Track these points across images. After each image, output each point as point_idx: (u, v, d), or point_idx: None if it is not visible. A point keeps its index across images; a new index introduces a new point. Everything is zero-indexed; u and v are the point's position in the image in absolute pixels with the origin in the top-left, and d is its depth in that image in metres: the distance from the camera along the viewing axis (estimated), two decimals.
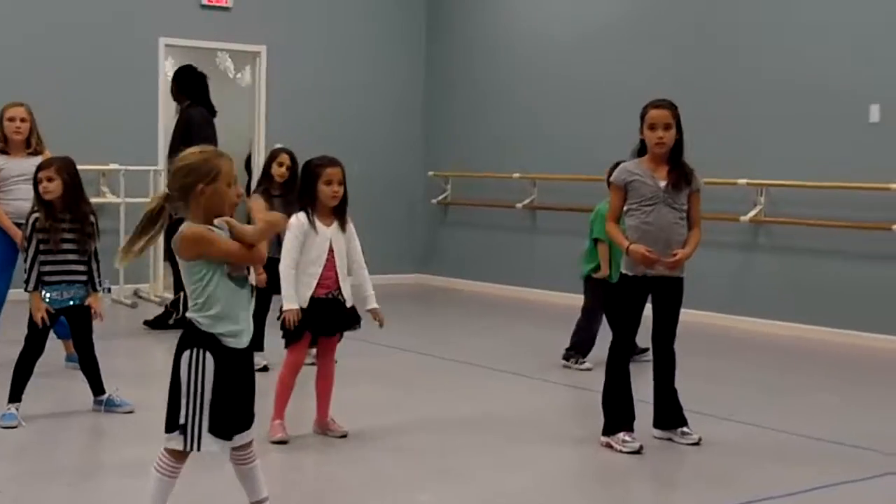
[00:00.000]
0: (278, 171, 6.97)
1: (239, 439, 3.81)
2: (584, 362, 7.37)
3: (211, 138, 8.31)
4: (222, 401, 3.69)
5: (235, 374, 3.73)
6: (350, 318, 5.41)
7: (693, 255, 5.34)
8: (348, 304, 5.37)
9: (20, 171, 6.71)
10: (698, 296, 8.21)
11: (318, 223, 5.28)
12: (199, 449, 3.69)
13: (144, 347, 8.41)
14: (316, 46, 11.94)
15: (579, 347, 7.44)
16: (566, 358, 7.48)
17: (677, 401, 5.53)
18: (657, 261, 5.23)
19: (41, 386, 5.98)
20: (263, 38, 11.64)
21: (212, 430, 3.69)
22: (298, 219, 5.29)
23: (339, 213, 5.36)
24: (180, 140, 8.32)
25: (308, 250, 5.26)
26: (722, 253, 9.50)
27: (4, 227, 6.78)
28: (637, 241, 5.27)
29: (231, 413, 3.73)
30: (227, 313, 3.68)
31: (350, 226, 5.42)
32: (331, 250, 5.30)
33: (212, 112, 8.87)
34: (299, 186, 5.51)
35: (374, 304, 5.40)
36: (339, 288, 5.33)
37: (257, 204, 6.67)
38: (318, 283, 5.27)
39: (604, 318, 7.30)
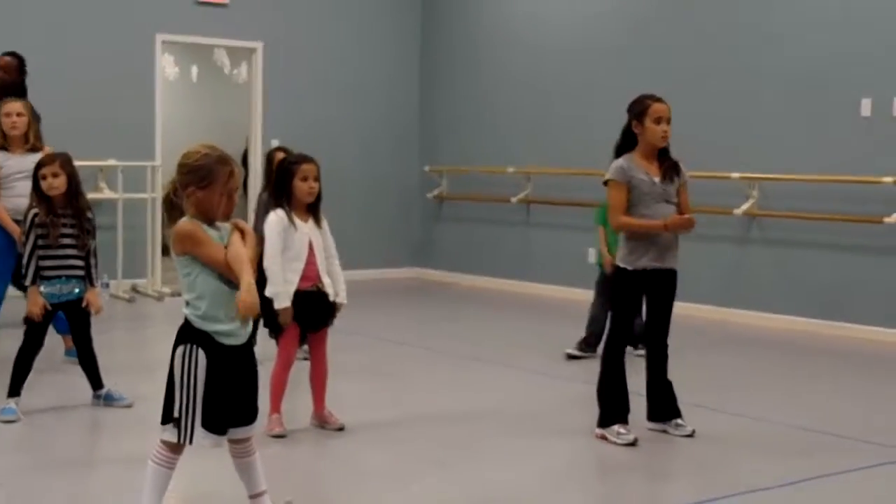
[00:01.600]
0: None
1: (240, 433, 3.85)
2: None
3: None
4: (215, 396, 3.72)
5: (229, 370, 3.76)
6: (331, 312, 5.44)
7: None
8: (331, 297, 5.40)
9: (20, 167, 6.69)
10: (692, 289, 8.27)
11: (296, 220, 5.31)
12: (191, 443, 3.74)
13: (142, 342, 8.44)
14: (312, 42, 11.96)
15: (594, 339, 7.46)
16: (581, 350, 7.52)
17: (672, 392, 5.56)
18: (694, 221, 5.28)
19: (40, 380, 6.02)
20: (260, 35, 11.66)
21: (204, 425, 3.72)
22: (278, 215, 5.30)
23: (313, 210, 5.39)
24: None
25: (288, 247, 5.28)
26: (715, 246, 9.55)
27: (4, 224, 6.78)
28: (637, 239, 5.32)
29: (224, 408, 3.76)
30: (215, 313, 3.70)
31: (325, 222, 5.45)
32: (311, 246, 5.33)
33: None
34: (275, 184, 5.50)
35: (342, 300, 5.44)
36: (319, 279, 5.36)
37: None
38: (301, 277, 5.30)
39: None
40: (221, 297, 3.69)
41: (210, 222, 3.73)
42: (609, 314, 7.30)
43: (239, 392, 3.81)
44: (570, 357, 7.45)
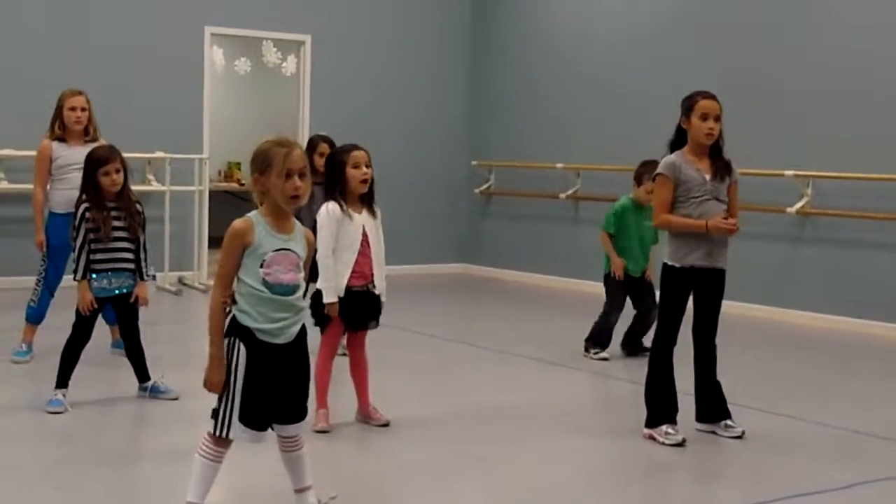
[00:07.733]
0: (320, 162, 6.99)
1: (288, 430, 3.85)
2: (600, 352, 7.41)
3: None
4: (253, 392, 3.72)
5: (273, 367, 3.74)
6: (376, 313, 5.39)
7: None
8: (378, 296, 5.35)
9: (77, 159, 6.61)
10: (744, 287, 8.17)
11: (350, 210, 5.24)
12: (227, 436, 3.73)
13: (188, 335, 8.46)
14: (360, 35, 11.96)
15: (596, 339, 7.48)
16: (586, 349, 7.51)
17: (721, 393, 5.49)
18: (735, 228, 5.19)
19: (87, 372, 6.05)
20: (308, 27, 11.68)
21: (242, 419, 3.72)
22: (329, 207, 5.22)
23: (368, 200, 5.32)
24: None
25: (341, 237, 5.21)
26: (768, 244, 9.42)
27: (36, 224, 6.75)
28: (685, 236, 5.24)
29: (264, 404, 3.74)
30: (253, 312, 3.70)
31: (379, 212, 5.38)
32: (364, 236, 5.27)
33: None
34: (326, 177, 5.38)
35: (383, 298, 5.39)
36: (373, 279, 5.31)
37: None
38: (353, 272, 5.24)
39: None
40: (254, 298, 3.70)
41: (281, 220, 3.74)
42: (610, 315, 7.41)
43: (285, 390, 3.79)
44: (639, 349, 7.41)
